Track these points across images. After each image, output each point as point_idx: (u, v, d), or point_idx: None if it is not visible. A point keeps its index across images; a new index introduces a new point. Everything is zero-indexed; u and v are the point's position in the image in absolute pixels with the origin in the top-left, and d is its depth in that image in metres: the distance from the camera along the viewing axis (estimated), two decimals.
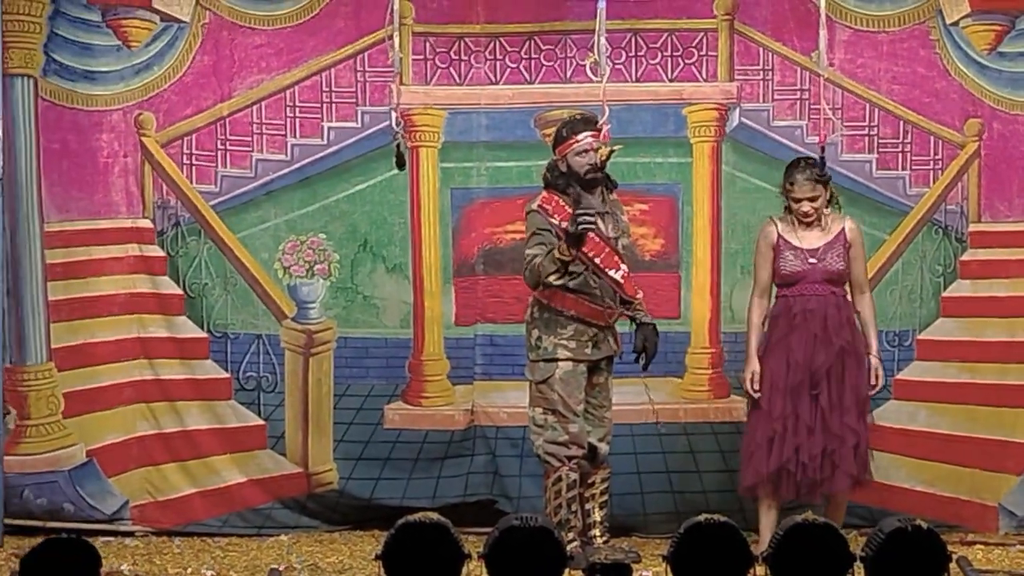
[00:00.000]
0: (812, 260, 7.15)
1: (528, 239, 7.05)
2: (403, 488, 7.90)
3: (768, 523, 7.02)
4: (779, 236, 7.19)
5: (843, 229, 7.19)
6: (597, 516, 7.14)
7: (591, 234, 6.86)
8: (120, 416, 7.91)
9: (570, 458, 7.02)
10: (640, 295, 7.18)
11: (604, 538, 7.14)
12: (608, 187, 7.13)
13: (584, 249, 6.89)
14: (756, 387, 7.16)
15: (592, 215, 6.81)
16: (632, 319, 7.13)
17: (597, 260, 6.98)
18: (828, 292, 7.14)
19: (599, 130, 6.95)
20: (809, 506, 6.99)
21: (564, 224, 6.87)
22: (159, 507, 7.92)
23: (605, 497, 7.18)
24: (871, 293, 7.34)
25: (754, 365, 7.19)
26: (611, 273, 7.00)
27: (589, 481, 7.16)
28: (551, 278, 6.91)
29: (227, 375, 7.95)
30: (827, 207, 7.22)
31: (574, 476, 7.03)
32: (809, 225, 7.17)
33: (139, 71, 7.87)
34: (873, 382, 7.16)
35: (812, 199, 7.11)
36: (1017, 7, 7.89)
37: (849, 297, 7.23)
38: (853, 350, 7.13)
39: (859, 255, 7.24)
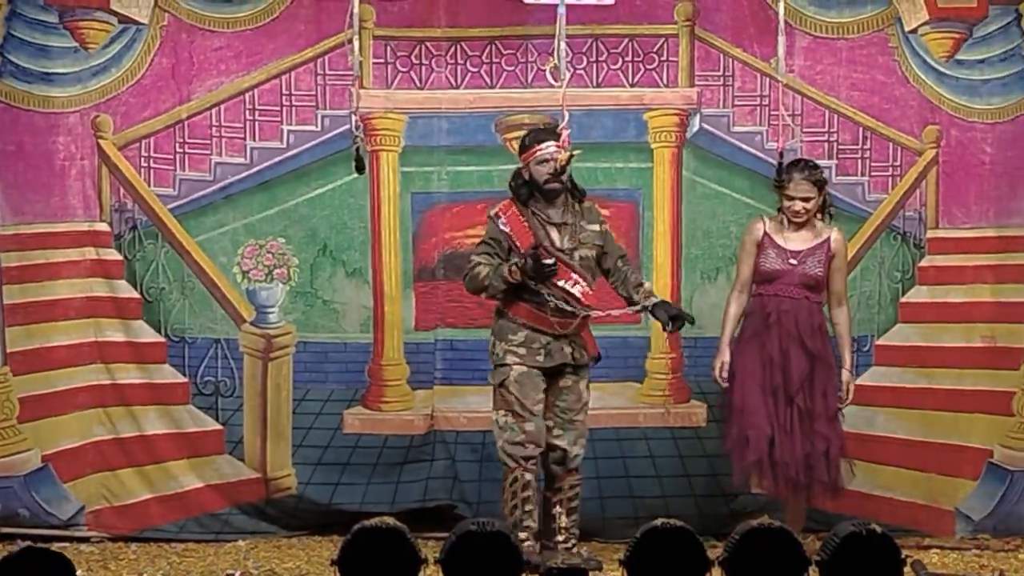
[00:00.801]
0: (792, 261, 7.20)
1: (479, 244, 7.16)
2: (362, 493, 7.89)
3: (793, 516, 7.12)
4: (765, 233, 7.24)
5: (829, 238, 7.24)
6: (563, 521, 7.14)
7: (542, 249, 6.94)
8: (76, 421, 7.86)
9: (527, 458, 7.06)
10: (648, 285, 7.15)
11: (569, 544, 7.13)
12: (575, 196, 7.14)
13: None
14: (724, 376, 7.19)
15: (551, 262, 6.92)
16: (645, 309, 7.09)
17: (559, 279, 7.00)
18: (803, 296, 7.20)
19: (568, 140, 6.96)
20: (769, 511, 7.05)
21: (512, 233, 7.01)
22: (115, 512, 7.87)
23: (574, 503, 7.17)
24: (848, 307, 7.38)
25: (724, 356, 7.24)
26: (562, 284, 7.00)
27: (557, 486, 7.17)
28: (497, 296, 7.09)
29: (185, 379, 7.92)
30: (819, 214, 7.24)
31: (529, 477, 7.06)
32: (798, 227, 7.20)
33: (96, 73, 7.83)
34: (844, 396, 7.22)
35: (806, 199, 7.16)
36: (975, 15, 7.93)
37: (825, 308, 7.27)
38: (824, 358, 7.18)
39: (841, 267, 7.30)
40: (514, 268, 6.98)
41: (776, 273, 7.20)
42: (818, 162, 7.36)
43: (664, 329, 7.14)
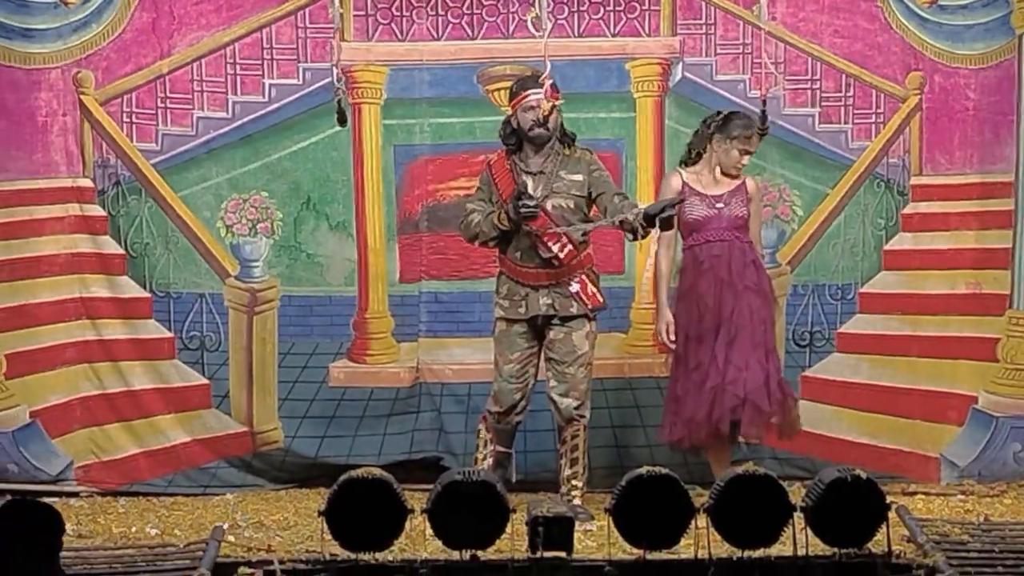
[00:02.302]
0: (719, 205, 7.26)
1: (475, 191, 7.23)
2: (349, 446, 7.91)
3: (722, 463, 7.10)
4: (684, 184, 7.27)
5: (744, 182, 7.30)
6: (566, 472, 7.19)
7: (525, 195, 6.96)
8: (63, 377, 7.87)
9: (491, 412, 7.21)
10: (632, 213, 6.91)
11: (571, 495, 7.17)
12: (564, 142, 7.13)
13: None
14: (672, 338, 7.22)
15: (532, 203, 6.89)
16: (635, 230, 6.89)
17: (535, 229, 7.00)
18: (733, 237, 7.24)
19: (551, 90, 6.93)
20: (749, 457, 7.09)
21: (495, 180, 7.05)
22: (103, 467, 7.89)
23: (575, 454, 7.19)
24: (761, 250, 7.43)
25: (667, 316, 7.28)
26: (549, 244, 7.00)
27: (561, 437, 7.23)
28: (489, 243, 7.14)
29: (170, 335, 7.92)
30: None
31: (481, 428, 7.27)
32: (725, 176, 7.23)
33: (77, 28, 7.80)
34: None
35: (750, 152, 7.21)
36: None
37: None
38: (758, 289, 7.22)
39: (757, 212, 7.37)
40: (502, 214, 7.00)
41: (704, 220, 7.24)
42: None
43: (629, 237, 7.01)
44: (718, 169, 7.27)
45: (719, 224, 7.24)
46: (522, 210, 6.93)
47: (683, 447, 7.31)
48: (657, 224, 6.82)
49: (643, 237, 6.95)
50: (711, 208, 7.25)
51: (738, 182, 7.30)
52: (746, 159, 7.28)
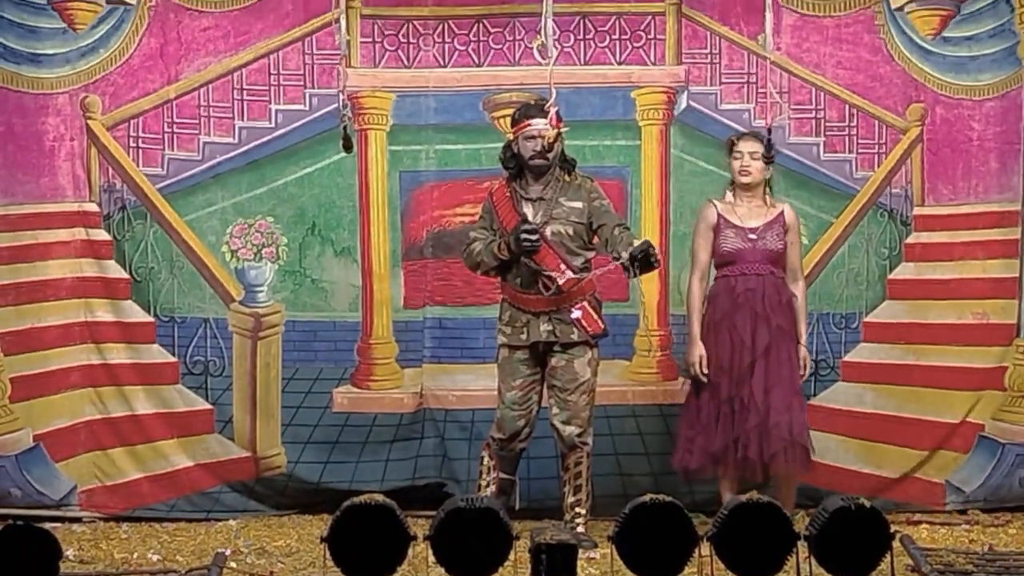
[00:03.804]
0: (752, 237, 7.21)
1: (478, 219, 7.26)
2: (352, 471, 7.91)
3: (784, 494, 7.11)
4: (719, 216, 7.25)
5: (782, 212, 7.27)
6: (569, 499, 7.21)
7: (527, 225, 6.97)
8: (67, 401, 7.87)
9: (494, 439, 7.23)
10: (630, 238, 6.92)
11: (575, 523, 7.18)
12: (564, 169, 7.14)
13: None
14: (705, 371, 7.22)
15: (535, 238, 6.91)
16: (616, 260, 6.84)
17: (534, 257, 7.02)
18: (768, 271, 7.21)
19: (556, 118, 6.94)
20: (760, 486, 7.07)
21: (496, 207, 7.09)
22: (107, 492, 7.89)
23: (579, 481, 7.19)
24: (804, 282, 7.38)
25: (700, 348, 7.25)
26: (548, 273, 7.01)
27: (564, 465, 7.24)
28: (489, 273, 7.18)
29: (174, 359, 7.93)
30: (767, 188, 7.28)
31: (484, 455, 7.26)
32: (750, 204, 7.21)
33: (85, 54, 7.83)
34: (801, 371, 7.21)
35: (753, 154, 7.16)
36: None
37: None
38: (788, 332, 7.20)
39: (795, 241, 7.32)
40: (502, 244, 7.02)
41: (738, 253, 7.21)
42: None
43: (626, 275, 6.90)
44: (755, 200, 7.24)
45: (753, 257, 7.21)
46: (524, 244, 6.93)
47: (700, 476, 7.29)
48: (636, 269, 6.72)
49: (634, 276, 6.85)
50: (745, 241, 7.21)
51: (776, 212, 7.25)
52: (749, 162, 7.20)
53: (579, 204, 7.11)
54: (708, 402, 7.23)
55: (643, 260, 6.68)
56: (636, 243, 6.79)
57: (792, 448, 7.13)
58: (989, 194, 7.98)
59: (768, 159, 7.20)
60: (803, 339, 7.27)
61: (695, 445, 7.22)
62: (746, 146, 7.22)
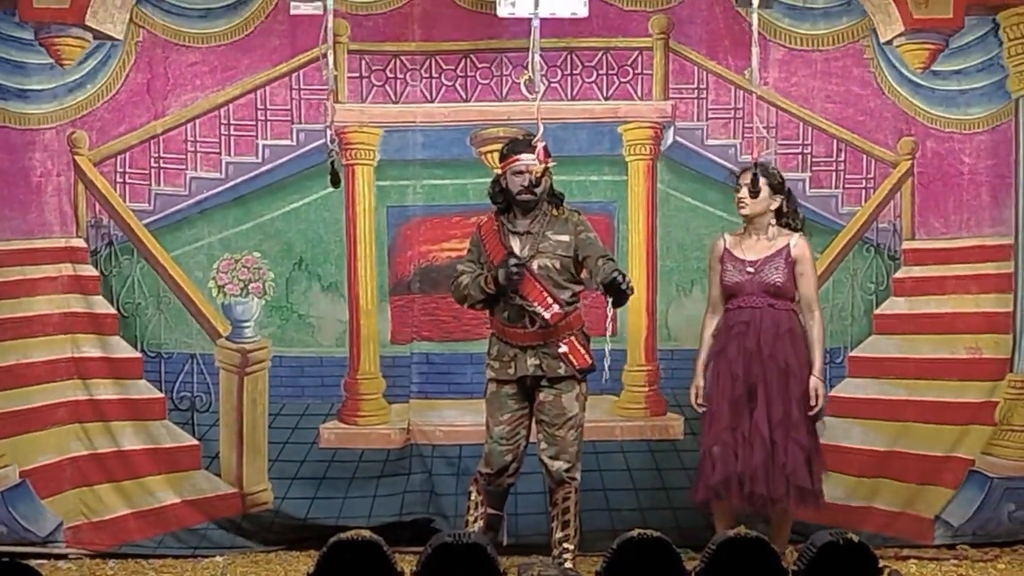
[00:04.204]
0: (750, 270, 7.19)
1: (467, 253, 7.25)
2: (339, 507, 7.88)
3: (776, 531, 7.10)
4: (725, 249, 7.24)
5: (788, 245, 7.20)
6: (558, 534, 7.16)
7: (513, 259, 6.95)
8: (53, 437, 7.84)
9: (482, 474, 7.18)
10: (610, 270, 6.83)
11: (562, 558, 7.14)
12: (552, 203, 7.13)
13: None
14: (699, 402, 7.20)
15: (520, 269, 6.90)
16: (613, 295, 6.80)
17: (521, 291, 7.00)
18: (765, 304, 7.16)
19: (543, 153, 6.92)
20: (756, 520, 7.05)
21: (484, 241, 7.08)
22: (93, 528, 7.85)
23: (567, 517, 7.15)
24: (820, 311, 7.28)
25: (698, 380, 7.25)
26: (535, 307, 6.99)
27: (552, 500, 7.20)
28: (476, 306, 7.15)
29: (161, 395, 7.91)
30: (774, 220, 7.23)
31: (472, 490, 7.19)
32: (757, 238, 7.19)
33: (72, 89, 7.82)
34: (812, 402, 7.15)
35: (749, 186, 7.08)
36: (951, 26, 7.95)
37: (799, 313, 7.23)
38: (792, 366, 7.13)
39: (805, 272, 7.22)
40: (489, 277, 7.01)
41: (737, 286, 7.19)
42: (783, 172, 7.37)
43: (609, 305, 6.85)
44: (761, 233, 7.23)
45: (751, 290, 7.17)
46: (513, 277, 6.91)
47: (706, 509, 7.27)
48: (609, 299, 6.73)
49: (616, 306, 6.82)
50: (743, 274, 7.18)
51: (779, 246, 7.19)
52: (744, 193, 7.14)
53: (566, 237, 7.09)
54: (707, 435, 7.21)
55: (609, 287, 6.69)
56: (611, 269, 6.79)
57: (798, 491, 7.10)
58: (982, 228, 7.99)
59: (755, 192, 7.15)
60: (816, 370, 7.15)
61: (699, 477, 7.20)
62: (745, 179, 7.20)
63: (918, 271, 8.04)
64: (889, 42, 7.97)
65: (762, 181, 7.09)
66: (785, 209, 7.25)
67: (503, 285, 6.95)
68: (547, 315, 6.99)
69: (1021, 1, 7.91)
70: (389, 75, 7.94)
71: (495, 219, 7.17)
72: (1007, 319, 7.99)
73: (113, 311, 7.89)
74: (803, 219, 7.32)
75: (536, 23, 6.57)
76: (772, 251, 7.21)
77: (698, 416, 7.38)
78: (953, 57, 7.98)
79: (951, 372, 8.00)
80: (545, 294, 6.99)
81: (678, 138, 7.96)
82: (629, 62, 7.98)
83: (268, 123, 7.92)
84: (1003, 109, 7.96)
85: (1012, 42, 7.93)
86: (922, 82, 7.99)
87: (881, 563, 5.47)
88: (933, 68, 7.98)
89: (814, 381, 7.15)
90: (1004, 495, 7.95)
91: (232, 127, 7.91)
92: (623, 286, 6.67)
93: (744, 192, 7.16)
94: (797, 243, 7.21)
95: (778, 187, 7.21)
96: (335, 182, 6.89)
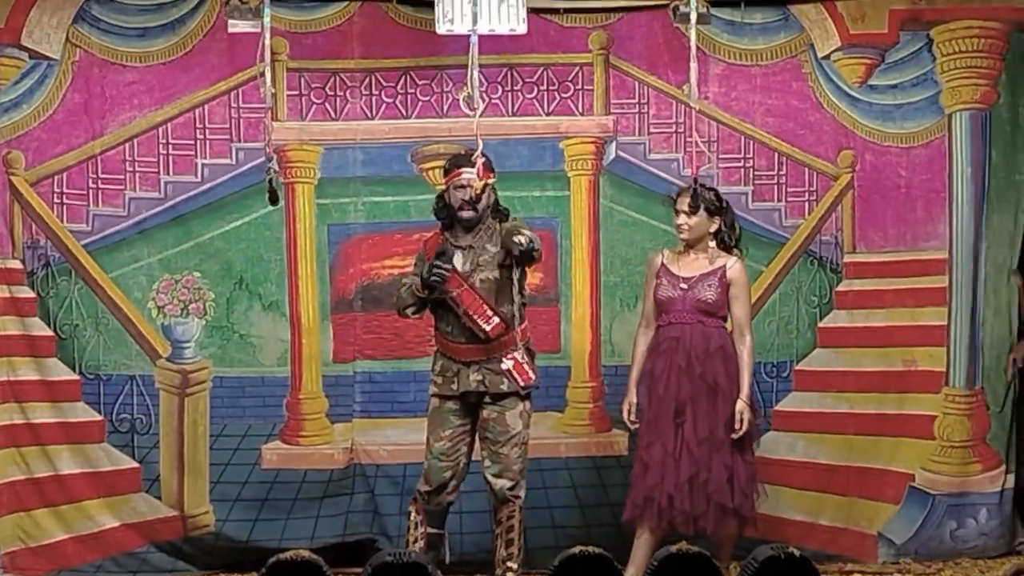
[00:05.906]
0: (683, 287, 7.15)
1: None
2: (281, 529, 7.81)
3: (640, 554, 7.01)
4: (662, 264, 7.22)
5: (724, 266, 7.15)
6: (502, 553, 7.11)
7: (455, 281, 6.92)
8: None
9: (421, 492, 7.13)
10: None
11: None
12: (497, 218, 7.09)
13: (452, 292, 6.94)
14: (633, 419, 7.18)
15: (446, 270, 6.87)
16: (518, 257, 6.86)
17: (462, 303, 6.96)
18: (695, 321, 7.13)
19: (483, 168, 6.89)
20: (691, 538, 7.02)
21: (427, 255, 7.03)
22: (31, 554, 7.75)
23: (511, 535, 7.09)
24: (752, 336, 7.21)
25: (631, 398, 7.22)
26: (476, 319, 6.96)
27: (497, 518, 7.15)
28: (408, 311, 7.09)
29: (100, 417, 7.82)
30: (712, 240, 7.19)
31: (411, 510, 7.15)
32: (695, 255, 7.16)
33: (7, 109, 7.74)
34: (736, 426, 7.05)
35: (688, 212, 7.08)
36: (886, 41, 8.00)
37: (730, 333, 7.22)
38: (721, 385, 7.08)
39: (739, 295, 7.16)
40: (417, 282, 6.97)
41: (669, 301, 7.15)
42: (722, 190, 7.37)
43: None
44: (700, 253, 7.19)
45: (682, 306, 7.12)
46: (434, 272, 6.86)
47: (632, 527, 7.21)
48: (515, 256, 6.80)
49: (519, 265, 6.89)
50: (676, 289, 7.13)
51: (716, 266, 7.14)
52: (684, 219, 7.11)
53: (495, 248, 7.04)
54: (637, 451, 7.18)
55: (509, 248, 6.73)
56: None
57: (719, 508, 7.05)
58: (918, 242, 8.03)
59: (693, 210, 7.12)
60: (743, 394, 7.09)
61: (628, 495, 7.18)
62: (683, 203, 7.17)
63: (859, 284, 8.07)
64: (827, 56, 8.00)
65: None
66: (723, 229, 7.23)
67: (430, 286, 6.89)
68: (487, 327, 6.95)
69: (953, 18, 7.97)
70: (329, 92, 7.90)
71: (441, 233, 7.14)
72: (942, 332, 8.02)
73: (50, 333, 7.80)
74: (739, 234, 7.28)
75: (475, 40, 6.56)
76: (708, 270, 7.16)
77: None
78: (889, 72, 8.02)
79: (889, 385, 8.02)
80: (485, 306, 6.96)
81: (620, 152, 7.96)
82: (570, 78, 7.97)
83: (207, 142, 7.86)
84: (936, 124, 8.01)
85: (945, 58, 7.98)
86: (859, 96, 8.02)
87: None
88: (870, 82, 8.02)
89: (740, 405, 7.07)
90: (947, 512, 7.98)
91: (171, 146, 7.84)
92: (518, 247, 6.71)
93: (683, 218, 7.13)
94: (733, 266, 7.17)
95: (715, 210, 7.18)
96: (273, 200, 6.88)
